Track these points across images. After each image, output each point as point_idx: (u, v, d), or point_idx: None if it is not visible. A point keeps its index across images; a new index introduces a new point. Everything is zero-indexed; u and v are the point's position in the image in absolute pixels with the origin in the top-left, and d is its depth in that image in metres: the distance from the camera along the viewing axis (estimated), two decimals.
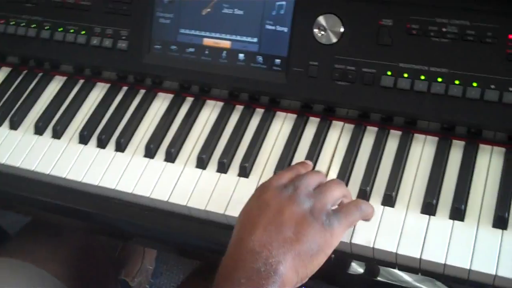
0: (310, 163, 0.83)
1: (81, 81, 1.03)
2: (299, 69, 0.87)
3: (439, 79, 0.81)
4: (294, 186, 0.74)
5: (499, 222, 0.74)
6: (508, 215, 0.75)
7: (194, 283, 1.09)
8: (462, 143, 0.83)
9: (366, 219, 0.77)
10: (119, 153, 0.93)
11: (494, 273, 0.71)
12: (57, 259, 1.08)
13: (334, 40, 0.86)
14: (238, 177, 0.86)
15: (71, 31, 1.00)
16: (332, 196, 0.74)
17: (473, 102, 0.79)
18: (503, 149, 0.81)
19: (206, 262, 1.12)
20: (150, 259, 1.67)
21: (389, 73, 0.83)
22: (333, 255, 0.73)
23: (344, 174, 0.83)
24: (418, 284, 0.78)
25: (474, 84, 0.79)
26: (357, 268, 0.80)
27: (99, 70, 1.02)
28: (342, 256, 0.79)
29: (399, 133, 0.86)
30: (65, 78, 1.04)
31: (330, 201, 0.73)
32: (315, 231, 0.70)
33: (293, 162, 0.87)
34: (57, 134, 0.96)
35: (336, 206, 0.74)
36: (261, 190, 0.76)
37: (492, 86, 0.79)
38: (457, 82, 0.80)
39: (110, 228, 0.95)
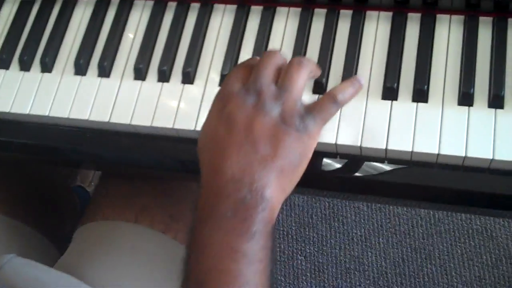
0: (275, 50, 0.73)
1: None
2: None
3: None
4: (256, 90, 0.65)
5: (465, 99, 0.70)
6: (474, 90, 0.70)
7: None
8: (418, 15, 0.76)
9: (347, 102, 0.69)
10: (46, 74, 0.83)
11: (463, 155, 0.68)
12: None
13: None
14: (182, 85, 0.79)
15: None
16: (298, 88, 0.66)
17: None
18: (461, 17, 0.75)
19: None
20: None
21: None
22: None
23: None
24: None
25: None
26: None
27: None
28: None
29: (350, 12, 0.78)
30: None
31: (298, 96, 0.66)
32: (292, 140, 0.63)
33: (240, 59, 0.79)
34: None
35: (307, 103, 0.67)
36: (221, 101, 0.67)
37: None
38: None
39: (55, 157, 0.87)
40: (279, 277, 1.55)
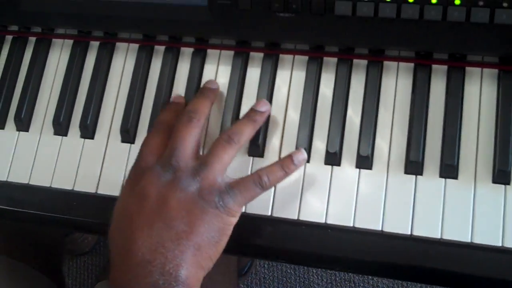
0: (179, 99, 0.68)
1: None
2: (226, 1, 0.66)
3: (411, 0, 0.61)
4: (172, 166, 0.60)
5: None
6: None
7: None
8: (444, 67, 0.66)
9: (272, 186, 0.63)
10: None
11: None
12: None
13: None
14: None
15: None
16: (221, 164, 0.60)
17: (456, 25, 0.61)
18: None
19: None
20: None
21: None
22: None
23: (307, 120, 0.67)
24: None
25: (457, 2, 0.60)
26: None
27: None
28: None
29: (365, 62, 0.68)
30: None
31: (219, 173, 0.60)
32: (210, 217, 0.58)
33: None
34: None
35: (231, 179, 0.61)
36: (134, 176, 0.62)
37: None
38: (434, 1, 0.61)
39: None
40: None
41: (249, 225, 0.65)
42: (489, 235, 0.60)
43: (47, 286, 0.95)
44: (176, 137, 0.62)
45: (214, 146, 0.61)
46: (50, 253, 1.02)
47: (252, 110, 0.65)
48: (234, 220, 0.60)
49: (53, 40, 0.77)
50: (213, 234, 0.58)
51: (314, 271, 1.48)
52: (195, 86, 0.71)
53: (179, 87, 0.72)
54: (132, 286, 0.56)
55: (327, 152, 0.65)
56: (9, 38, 0.78)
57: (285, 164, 0.63)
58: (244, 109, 0.69)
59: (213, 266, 0.60)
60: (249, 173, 0.66)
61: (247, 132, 0.63)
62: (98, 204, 0.71)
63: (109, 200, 0.70)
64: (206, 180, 0.59)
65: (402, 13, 0.61)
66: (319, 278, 1.47)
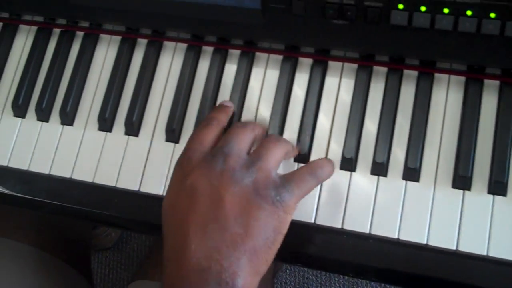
0: (228, 103, 0.66)
1: None
2: (280, 5, 0.66)
3: (469, 13, 0.61)
4: (224, 154, 0.57)
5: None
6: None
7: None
8: (496, 83, 0.65)
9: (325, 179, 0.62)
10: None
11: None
12: (33, 227, 0.93)
13: None
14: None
15: None
16: (275, 158, 0.58)
17: None
18: None
19: None
20: None
21: (400, 6, 0.62)
22: None
23: (354, 128, 0.66)
24: None
25: None
26: None
27: None
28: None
29: (415, 73, 0.67)
30: None
31: (273, 166, 0.58)
32: (266, 215, 0.55)
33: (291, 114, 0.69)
34: None
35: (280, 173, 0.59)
36: (182, 168, 0.58)
37: None
38: (493, 15, 0.60)
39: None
40: None
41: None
42: None
43: (77, 280, 0.96)
44: (230, 133, 0.60)
45: (266, 142, 0.59)
46: (79, 247, 1.02)
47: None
48: (290, 217, 0.57)
49: (101, 35, 0.77)
50: (269, 234, 0.55)
51: (336, 279, 1.47)
52: (242, 89, 0.70)
53: (226, 89, 0.71)
54: None
55: (374, 162, 0.64)
56: (56, 31, 0.78)
57: (329, 159, 0.62)
58: (291, 114, 0.68)
59: None
60: None
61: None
62: (139, 202, 0.71)
63: (151, 199, 0.70)
64: (261, 173, 0.56)
65: (459, 26, 0.61)
66: (341, 286, 1.46)
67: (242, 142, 0.59)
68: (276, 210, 0.55)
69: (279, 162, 0.59)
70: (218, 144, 0.59)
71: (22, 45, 0.79)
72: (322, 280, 1.48)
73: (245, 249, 0.53)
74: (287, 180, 0.57)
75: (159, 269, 0.88)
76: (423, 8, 0.61)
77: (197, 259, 0.53)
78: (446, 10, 0.61)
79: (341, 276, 1.47)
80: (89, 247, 1.07)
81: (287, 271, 1.49)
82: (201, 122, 0.64)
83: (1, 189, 0.75)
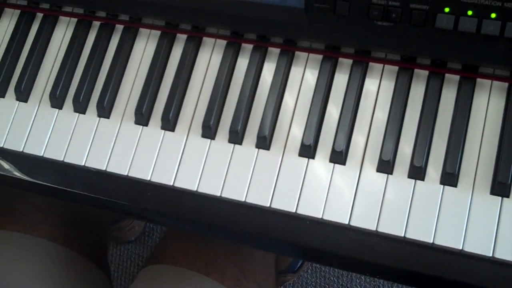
0: None
1: None
2: (323, 5, 0.66)
3: None
4: None
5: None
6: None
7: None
8: None
9: None
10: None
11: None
12: (48, 221, 0.94)
13: None
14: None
15: None
16: None
17: None
18: None
19: None
20: None
21: (447, 9, 0.62)
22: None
23: (396, 130, 0.66)
24: None
25: None
26: None
27: None
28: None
29: (457, 77, 0.67)
30: None
31: None
32: None
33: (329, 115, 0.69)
34: None
35: None
36: None
37: None
38: None
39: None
40: None
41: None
42: None
43: (93, 273, 0.96)
44: None
45: None
46: (96, 240, 1.02)
47: None
48: None
49: (140, 29, 0.77)
50: None
51: (358, 281, 1.46)
52: (280, 87, 0.70)
53: (263, 88, 0.71)
54: None
55: (412, 164, 0.64)
56: (96, 24, 0.79)
57: None
58: (329, 115, 0.68)
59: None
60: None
61: None
62: (173, 197, 0.71)
63: (184, 194, 0.70)
64: None
65: (506, 31, 0.60)
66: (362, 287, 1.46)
67: None
68: None
69: None
70: None
71: (61, 36, 0.79)
72: (343, 281, 1.47)
73: None
74: None
75: (169, 254, 0.89)
76: (469, 12, 0.61)
77: None
78: (493, 15, 0.60)
79: (363, 277, 1.46)
80: (106, 240, 1.08)
81: (309, 271, 1.49)
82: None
83: (32, 179, 0.76)
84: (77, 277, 0.91)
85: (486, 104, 0.65)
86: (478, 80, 0.66)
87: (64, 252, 0.92)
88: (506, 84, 0.65)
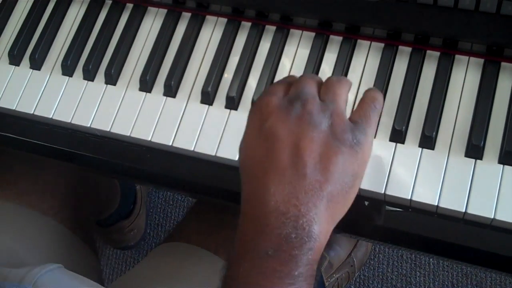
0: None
1: None
2: None
3: None
4: (301, 99, 0.57)
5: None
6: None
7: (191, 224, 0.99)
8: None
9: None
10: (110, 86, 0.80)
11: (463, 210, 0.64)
12: (42, 192, 0.98)
13: None
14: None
15: None
16: (344, 99, 0.59)
17: None
18: None
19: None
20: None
21: None
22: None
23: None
24: None
25: None
26: None
27: None
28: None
29: (437, 54, 0.72)
30: None
31: (345, 108, 0.58)
32: (344, 158, 0.55)
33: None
34: None
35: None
36: (259, 115, 0.58)
37: None
38: None
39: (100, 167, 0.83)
40: None
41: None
42: None
43: (80, 246, 1.00)
44: (300, 81, 0.61)
45: (330, 85, 0.60)
46: (83, 214, 1.06)
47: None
48: (367, 159, 0.58)
49: (207, 16, 0.81)
50: (347, 179, 0.55)
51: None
52: (274, 62, 0.76)
53: (259, 60, 0.77)
54: (263, 237, 0.54)
55: (393, 128, 0.69)
56: (186, 15, 0.82)
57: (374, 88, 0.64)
58: None
59: None
60: None
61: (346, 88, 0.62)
62: (171, 160, 0.77)
63: (182, 157, 0.76)
64: (336, 117, 0.56)
65: (481, 6, 0.66)
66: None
67: (314, 87, 0.59)
68: (354, 153, 0.56)
69: (346, 102, 0.60)
70: (291, 91, 0.59)
71: (75, 14, 0.86)
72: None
73: (322, 195, 0.54)
74: (357, 121, 0.58)
75: (183, 233, 0.93)
76: None
77: (276, 202, 0.54)
78: None
79: (352, 287, 1.49)
80: (92, 215, 1.11)
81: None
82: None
83: (38, 141, 0.81)
84: (65, 251, 0.95)
85: (463, 77, 0.71)
86: (457, 56, 0.71)
87: (52, 224, 0.95)
88: (482, 60, 0.71)
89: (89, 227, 1.12)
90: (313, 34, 0.77)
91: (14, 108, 0.81)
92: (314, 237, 0.53)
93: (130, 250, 1.60)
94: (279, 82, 0.63)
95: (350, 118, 0.58)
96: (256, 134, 0.58)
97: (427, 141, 0.68)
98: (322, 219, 0.54)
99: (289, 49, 0.77)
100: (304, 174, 0.54)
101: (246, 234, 0.56)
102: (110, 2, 0.85)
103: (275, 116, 0.57)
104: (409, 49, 0.73)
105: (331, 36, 0.76)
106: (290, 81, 0.62)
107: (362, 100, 0.61)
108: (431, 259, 1.47)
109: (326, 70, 0.75)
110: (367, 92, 0.63)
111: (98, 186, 1.23)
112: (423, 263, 1.47)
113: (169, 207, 1.63)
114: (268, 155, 0.56)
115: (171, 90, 0.77)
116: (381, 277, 1.48)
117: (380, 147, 0.69)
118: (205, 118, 0.76)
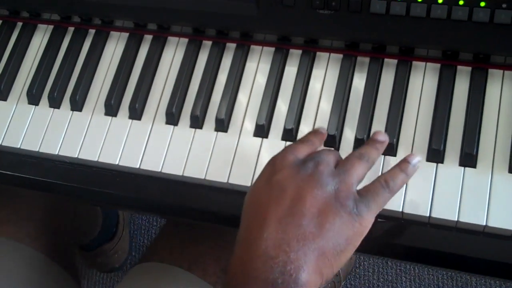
0: (324, 130, 0.69)
1: None
2: None
3: (440, 1, 0.67)
4: (315, 162, 0.60)
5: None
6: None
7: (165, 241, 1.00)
8: (468, 69, 0.71)
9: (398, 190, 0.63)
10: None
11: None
12: (18, 221, 0.98)
13: None
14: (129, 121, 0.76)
15: None
16: (358, 174, 0.60)
17: (481, 26, 0.67)
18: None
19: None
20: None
21: None
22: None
23: (339, 117, 0.72)
24: None
25: (482, 4, 0.66)
26: None
27: None
28: None
29: (395, 62, 0.74)
30: None
31: (355, 182, 0.60)
32: (342, 222, 0.57)
33: (278, 105, 0.75)
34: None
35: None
36: (273, 167, 0.61)
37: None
38: (461, 2, 0.67)
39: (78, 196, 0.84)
40: None
41: None
42: None
43: (59, 273, 0.99)
44: (321, 150, 0.64)
45: (351, 158, 0.62)
46: (62, 241, 1.06)
47: (377, 142, 0.65)
48: (365, 231, 0.59)
49: (169, 38, 0.82)
50: (340, 241, 0.57)
51: None
52: (236, 80, 0.77)
53: (221, 81, 0.78)
54: (250, 280, 0.55)
55: (355, 137, 0.70)
56: (148, 38, 0.83)
57: (403, 166, 0.63)
58: (280, 104, 0.75)
59: None
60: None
61: (375, 154, 0.64)
62: (140, 182, 0.77)
63: (150, 179, 0.76)
64: (343, 184, 0.59)
65: (432, 12, 0.67)
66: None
67: (331, 157, 0.62)
68: (352, 221, 0.57)
69: (360, 179, 0.62)
70: (309, 154, 0.63)
71: (39, 42, 0.86)
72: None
73: (314, 247, 0.55)
74: (364, 195, 0.59)
75: (156, 253, 0.93)
76: None
77: (266, 247, 0.56)
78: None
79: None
80: (73, 241, 1.11)
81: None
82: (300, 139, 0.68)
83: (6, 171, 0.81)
84: (42, 279, 0.95)
85: (421, 82, 0.72)
86: (414, 62, 0.73)
87: (29, 252, 0.95)
88: (438, 65, 0.72)
89: (69, 252, 1.12)
90: (273, 49, 0.78)
91: None
92: (301, 284, 0.54)
93: (116, 273, 1.60)
94: (303, 143, 0.65)
95: (358, 191, 0.60)
96: (264, 183, 0.61)
97: (388, 148, 0.69)
98: (310, 269, 0.55)
99: (250, 66, 0.78)
100: (300, 224, 0.56)
101: (236, 278, 0.57)
102: (73, 28, 0.86)
103: (286, 171, 0.60)
104: (367, 59, 0.74)
105: (291, 50, 0.77)
106: (308, 143, 0.65)
107: (380, 176, 0.62)
108: (415, 264, 1.48)
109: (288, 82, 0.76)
110: (388, 172, 0.63)
111: (77, 210, 1.23)
112: (408, 268, 1.48)
113: (152, 228, 1.63)
114: (270, 203, 0.58)
115: (136, 113, 0.78)
116: (367, 285, 1.49)
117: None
118: (170, 138, 0.76)
